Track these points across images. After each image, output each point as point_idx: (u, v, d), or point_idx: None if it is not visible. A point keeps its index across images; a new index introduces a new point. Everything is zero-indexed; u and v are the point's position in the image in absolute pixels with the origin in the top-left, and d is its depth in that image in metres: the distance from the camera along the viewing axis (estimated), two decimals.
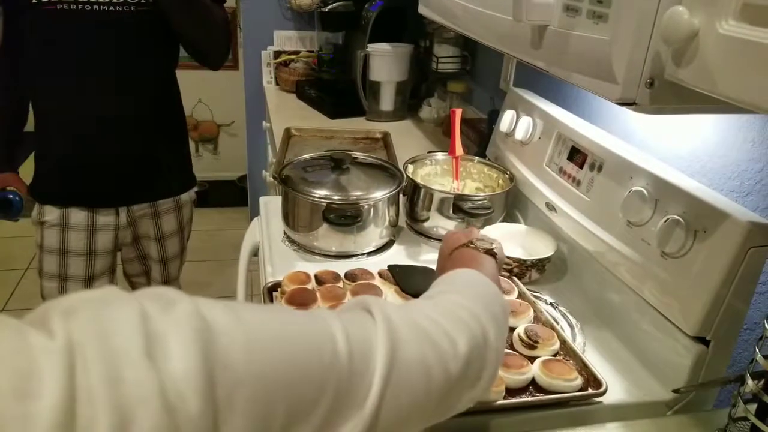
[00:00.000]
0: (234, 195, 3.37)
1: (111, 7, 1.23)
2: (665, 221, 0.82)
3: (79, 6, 1.21)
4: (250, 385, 0.36)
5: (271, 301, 0.91)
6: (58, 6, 1.20)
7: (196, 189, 1.59)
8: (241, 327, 0.38)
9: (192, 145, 3.62)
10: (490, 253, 0.74)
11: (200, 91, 3.42)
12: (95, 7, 1.21)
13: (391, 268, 0.99)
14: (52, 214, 1.37)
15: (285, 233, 1.17)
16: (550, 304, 1.00)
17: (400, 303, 0.89)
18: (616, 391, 0.81)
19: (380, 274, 0.96)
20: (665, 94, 0.58)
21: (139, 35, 1.29)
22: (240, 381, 0.35)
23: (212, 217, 3.34)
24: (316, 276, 0.95)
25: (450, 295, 0.56)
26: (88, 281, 1.44)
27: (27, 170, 1.43)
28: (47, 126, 1.34)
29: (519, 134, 1.24)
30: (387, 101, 2.03)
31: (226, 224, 3.13)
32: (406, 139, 1.86)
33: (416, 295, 0.89)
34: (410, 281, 0.95)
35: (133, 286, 1.63)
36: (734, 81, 0.49)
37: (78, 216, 1.38)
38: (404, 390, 0.44)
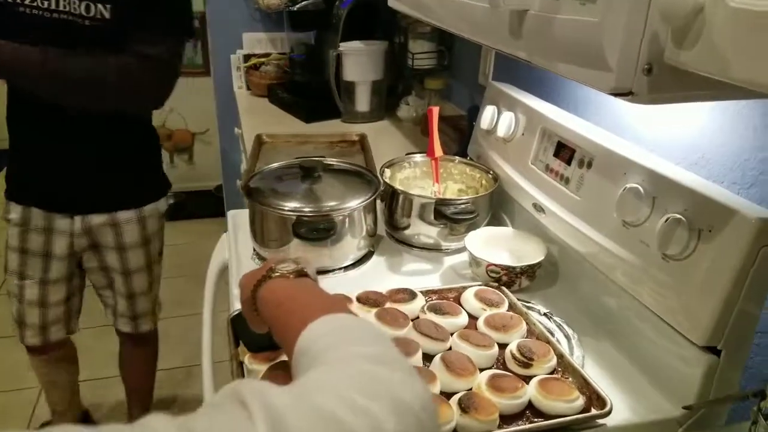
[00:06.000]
0: (211, 205, 3.26)
1: (68, 17, 1.21)
2: (665, 221, 0.74)
3: (39, 12, 1.19)
4: None
5: (236, 333, 0.82)
6: (20, 9, 1.19)
7: (170, 201, 1.54)
8: None
9: (166, 155, 3.52)
10: (302, 274, 0.60)
11: (172, 99, 3.25)
12: (54, 15, 1.20)
13: (233, 320, 0.82)
14: (16, 211, 1.39)
15: (255, 250, 1.08)
16: (544, 314, 0.92)
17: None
18: (620, 409, 0.73)
19: (358, 299, 0.88)
20: (665, 80, 0.51)
21: (94, 46, 1.23)
22: None
23: (189, 230, 3.24)
24: None
25: (351, 360, 0.40)
26: (43, 284, 1.44)
27: None
28: (12, 124, 1.36)
29: (501, 131, 1.16)
30: (363, 102, 1.95)
31: (204, 237, 3.00)
32: (384, 140, 1.78)
33: (266, 349, 0.72)
34: (253, 335, 0.71)
35: (102, 299, 1.59)
36: (749, 62, 0.42)
37: (37, 216, 1.39)
38: None
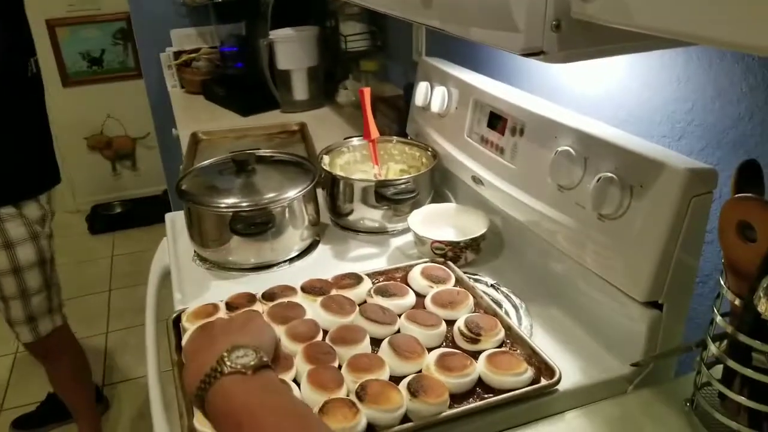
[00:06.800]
0: (161, 211, 3.16)
1: None
2: (597, 180, 0.74)
3: None
4: None
5: (178, 337, 0.78)
6: None
7: (43, 209, 1.48)
8: None
9: (108, 164, 3.39)
10: (263, 365, 0.50)
11: (107, 105, 3.20)
12: None
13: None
14: None
15: (195, 252, 1.04)
16: (491, 285, 0.92)
17: (327, 319, 0.78)
18: (571, 373, 0.73)
19: (303, 289, 0.85)
20: (575, 36, 0.49)
21: None
22: None
23: (141, 237, 3.15)
24: (227, 303, 0.82)
25: None
26: None
27: None
28: None
29: (435, 106, 1.14)
30: (300, 90, 1.90)
31: (157, 243, 2.94)
32: (326, 127, 1.75)
33: None
34: None
35: None
36: (650, 7, 0.41)
37: None
38: None
